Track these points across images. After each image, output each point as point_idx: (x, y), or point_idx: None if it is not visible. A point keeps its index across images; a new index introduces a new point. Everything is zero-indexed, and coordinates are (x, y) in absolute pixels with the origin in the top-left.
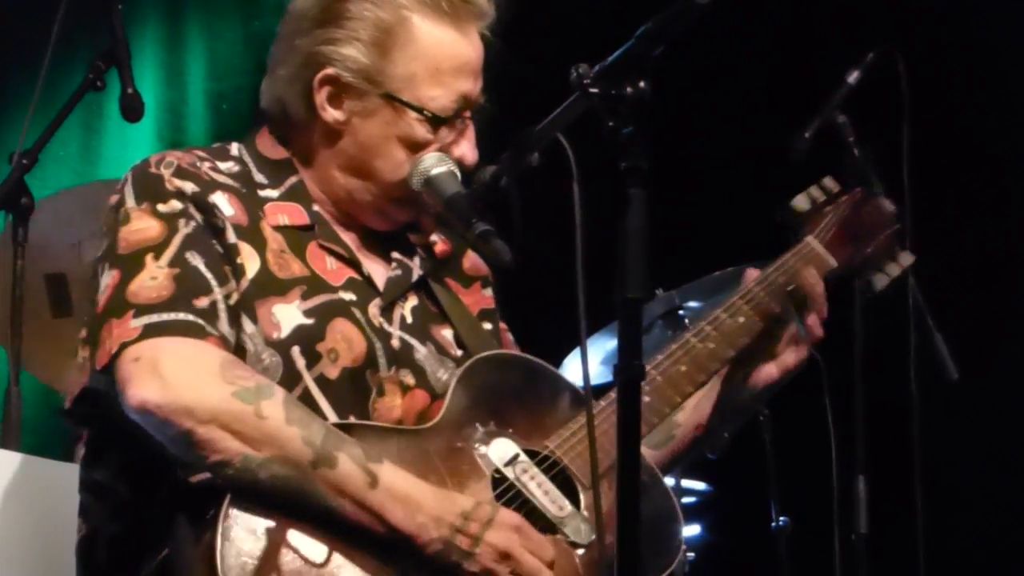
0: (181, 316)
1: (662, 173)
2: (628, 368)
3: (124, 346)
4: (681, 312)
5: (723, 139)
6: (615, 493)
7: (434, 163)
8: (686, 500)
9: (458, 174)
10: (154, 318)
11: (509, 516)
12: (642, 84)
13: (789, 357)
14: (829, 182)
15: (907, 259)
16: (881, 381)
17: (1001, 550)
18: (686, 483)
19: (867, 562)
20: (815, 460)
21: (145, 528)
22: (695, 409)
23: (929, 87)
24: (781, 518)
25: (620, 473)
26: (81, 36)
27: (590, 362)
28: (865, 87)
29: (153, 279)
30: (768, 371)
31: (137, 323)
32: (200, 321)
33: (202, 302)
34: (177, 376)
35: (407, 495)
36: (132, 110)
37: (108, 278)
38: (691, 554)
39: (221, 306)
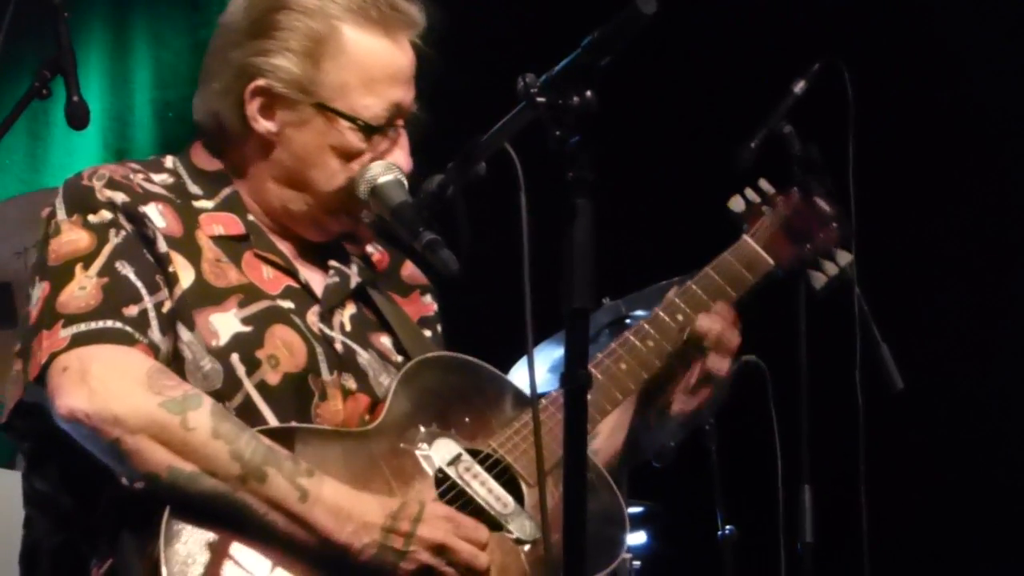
0: (109, 324)
1: (609, 182)
2: (575, 377)
3: (53, 356)
4: (628, 321)
5: (670, 148)
6: (560, 492)
7: (380, 172)
8: (633, 510)
9: (405, 183)
10: (82, 327)
11: (438, 508)
12: (588, 94)
13: (703, 392)
14: (765, 184)
15: (844, 258)
16: (826, 390)
17: (945, 559)
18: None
19: (812, 570)
20: (761, 469)
21: (88, 539)
22: (611, 436)
23: (875, 96)
24: (727, 526)
25: (567, 478)
26: (27, 44)
27: (537, 369)
28: (811, 96)
29: (82, 289)
30: (683, 404)
31: (66, 333)
32: (128, 329)
33: (131, 310)
34: (105, 385)
35: (336, 506)
36: (77, 118)
37: (39, 290)
38: (637, 562)
39: (151, 314)
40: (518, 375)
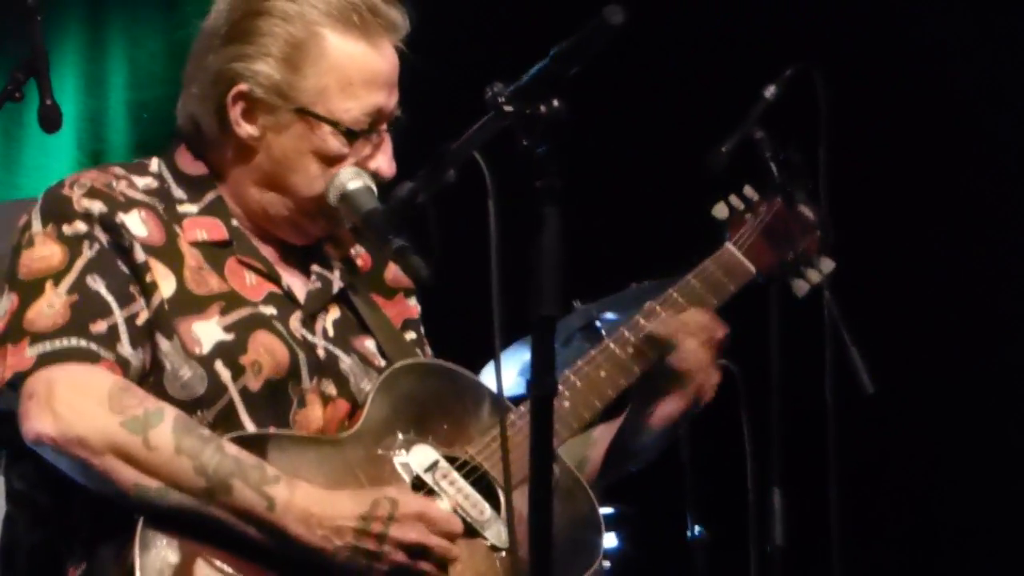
0: (75, 342)
1: (581, 186)
2: (541, 384)
3: (20, 378)
4: (599, 324)
5: (642, 153)
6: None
7: (350, 178)
8: (604, 511)
9: (374, 189)
10: (47, 346)
11: (409, 504)
12: (556, 103)
13: (687, 394)
14: (749, 191)
15: (828, 265)
16: (797, 393)
17: (915, 561)
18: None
19: (782, 573)
20: (731, 472)
21: (65, 539)
22: (601, 443)
23: (847, 102)
24: (697, 528)
25: (532, 487)
26: (1, 46)
27: (506, 374)
28: (783, 102)
29: (50, 307)
30: (667, 408)
31: (32, 352)
32: (93, 346)
33: (99, 326)
34: (68, 407)
35: (306, 511)
36: (50, 121)
37: (7, 302)
38: (607, 563)
39: (122, 328)
40: (487, 378)
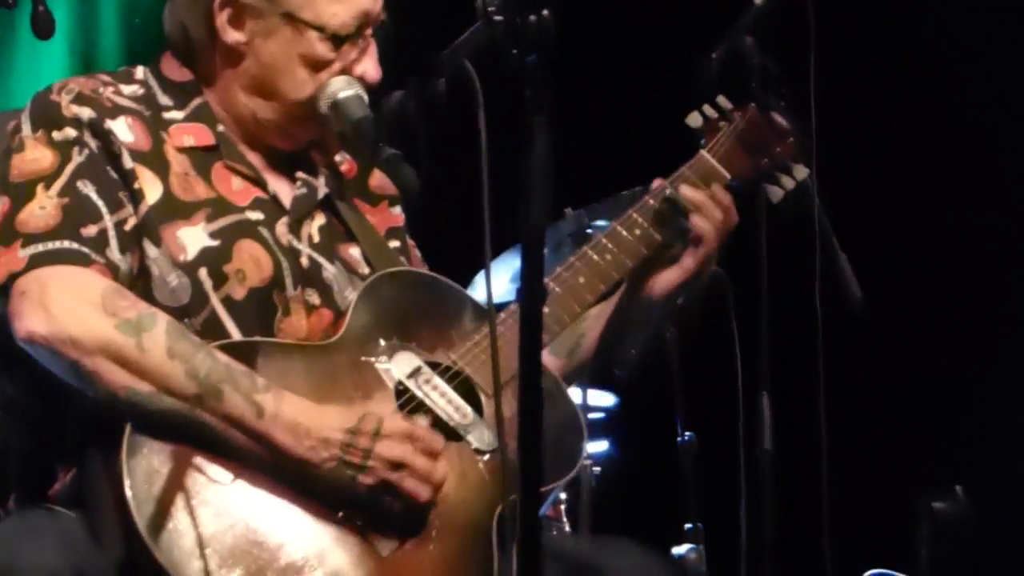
0: (66, 244)
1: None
2: (531, 292)
3: (12, 277)
4: (590, 231)
5: (631, 60)
6: (517, 404)
7: (341, 87)
8: (593, 416)
9: (365, 98)
10: (40, 248)
11: (396, 423)
12: (545, 12)
13: (687, 261)
14: (723, 100)
15: (801, 172)
16: (786, 300)
17: (901, 466)
18: (592, 400)
19: (771, 476)
20: (721, 377)
21: (55, 445)
22: (598, 319)
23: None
24: (686, 433)
25: (521, 392)
26: None
27: (499, 279)
28: (774, 9)
29: (42, 208)
30: (667, 277)
31: (24, 253)
32: (85, 249)
33: (90, 230)
34: (61, 307)
35: (293, 421)
36: (43, 27)
37: None
38: (597, 468)
39: (111, 233)
40: (480, 286)
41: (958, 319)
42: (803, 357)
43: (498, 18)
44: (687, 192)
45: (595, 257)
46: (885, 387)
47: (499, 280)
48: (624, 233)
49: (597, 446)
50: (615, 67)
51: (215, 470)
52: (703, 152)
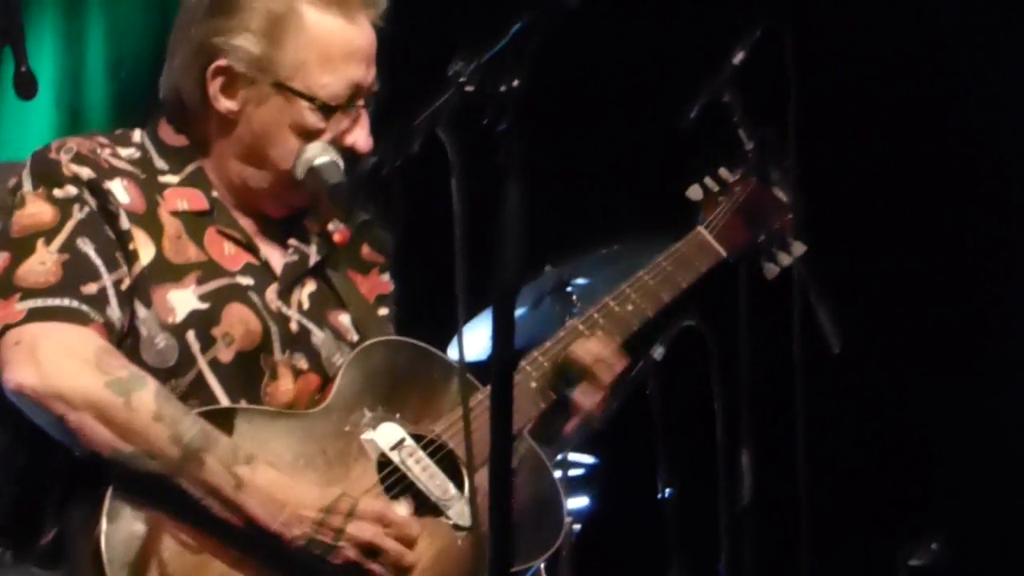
0: (66, 302)
1: (553, 151)
2: (502, 356)
3: (7, 328)
4: (569, 288)
5: (612, 118)
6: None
7: (317, 153)
8: (574, 472)
9: (341, 164)
10: (39, 303)
11: (370, 505)
12: (516, 81)
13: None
14: (724, 172)
15: (798, 249)
16: (766, 354)
17: (881, 519)
18: (573, 456)
19: (751, 531)
20: (701, 432)
21: (42, 498)
22: None
23: (817, 61)
24: (668, 489)
25: (492, 460)
26: None
27: (478, 338)
28: (752, 64)
29: (42, 264)
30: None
31: (22, 306)
32: (84, 308)
33: (90, 288)
34: (53, 362)
35: (270, 495)
36: (25, 88)
37: None
38: (577, 526)
39: (110, 292)
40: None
41: (937, 371)
42: (783, 411)
43: (469, 88)
44: (576, 357)
45: (585, 332)
46: (864, 441)
47: (480, 337)
48: (615, 307)
49: (578, 502)
50: (596, 125)
51: (190, 541)
52: (700, 228)
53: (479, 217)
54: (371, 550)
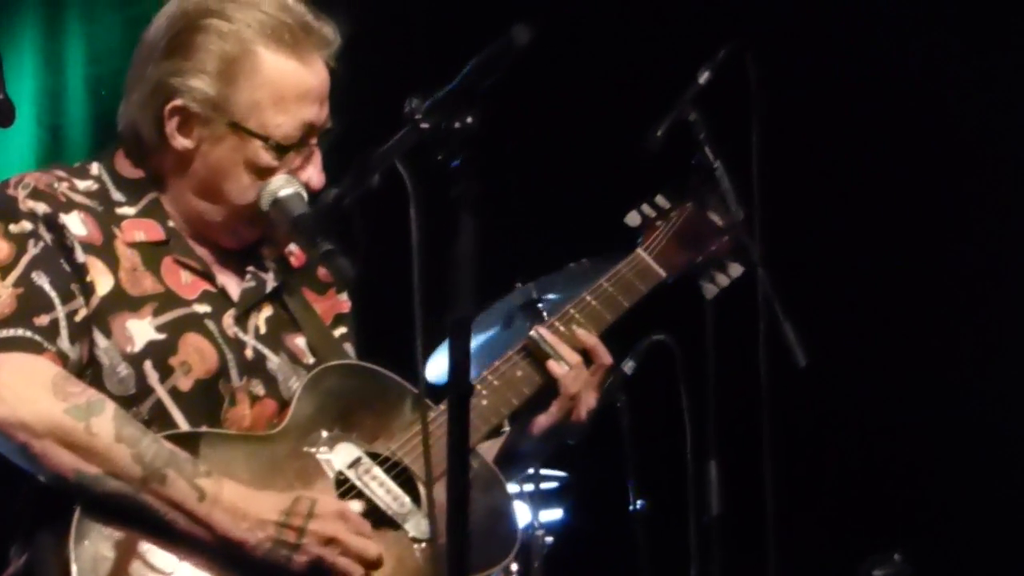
0: (20, 332)
1: (520, 169)
2: (458, 385)
3: None
4: (540, 304)
5: (579, 135)
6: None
7: (281, 185)
8: (546, 486)
9: (304, 195)
10: None
11: (329, 504)
12: (469, 119)
13: (553, 406)
14: (661, 200)
15: (736, 271)
16: (732, 368)
17: (846, 530)
18: (545, 470)
19: (719, 542)
20: (670, 445)
21: (11, 527)
22: (488, 452)
23: (781, 81)
24: (638, 501)
25: (449, 481)
26: None
27: (443, 360)
28: (717, 82)
29: None
30: (539, 421)
31: None
32: (38, 338)
33: (42, 320)
34: (12, 391)
35: (232, 504)
36: (3, 116)
37: None
38: (550, 538)
39: (63, 323)
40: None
41: (902, 385)
42: (749, 423)
43: (424, 125)
44: (548, 336)
45: (547, 334)
46: (830, 453)
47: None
48: (560, 328)
49: (551, 514)
50: (562, 141)
51: (159, 557)
52: (639, 250)
53: (437, 247)
54: (334, 545)
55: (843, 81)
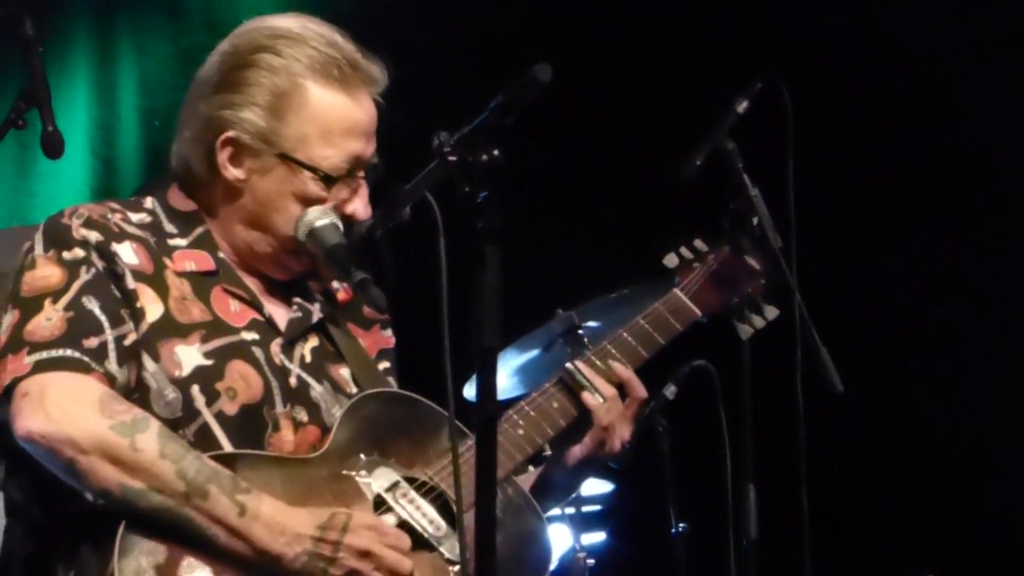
0: (69, 353)
1: (563, 198)
2: (485, 409)
3: (16, 381)
4: (581, 331)
5: (621, 166)
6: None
7: (317, 216)
8: (589, 509)
9: (340, 226)
10: (44, 355)
11: (363, 518)
12: (496, 152)
13: (587, 437)
14: (699, 243)
15: (772, 312)
16: (770, 394)
17: (882, 553)
18: (587, 491)
19: (758, 565)
20: (711, 469)
21: (55, 548)
22: (527, 480)
23: (816, 110)
24: (680, 524)
25: (477, 503)
26: (10, 74)
27: (500, 374)
28: (753, 113)
29: (48, 320)
30: (574, 451)
31: (30, 359)
32: (86, 358)
33: (91, 342)
34: (60, 408)
35: (271, 520)
36: (52, 148)
37: (10, 317)
38: (591, 561)
39: (111, 346)
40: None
41: (936, 411)
42: (787, 448)
43: (452, 159)
44: (583, 368)
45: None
46: (865, 478)
47: (501, 374)
48: (598, 362)
49: (593, 537)
50: (605, 171)
51: (199, 570)
52: (675, 290)
53: (466, 276)
54: (369, 558)
55: (878, 108)
